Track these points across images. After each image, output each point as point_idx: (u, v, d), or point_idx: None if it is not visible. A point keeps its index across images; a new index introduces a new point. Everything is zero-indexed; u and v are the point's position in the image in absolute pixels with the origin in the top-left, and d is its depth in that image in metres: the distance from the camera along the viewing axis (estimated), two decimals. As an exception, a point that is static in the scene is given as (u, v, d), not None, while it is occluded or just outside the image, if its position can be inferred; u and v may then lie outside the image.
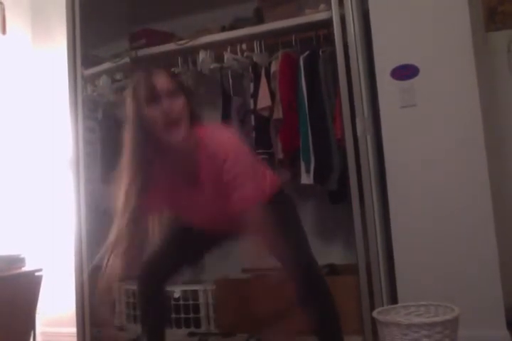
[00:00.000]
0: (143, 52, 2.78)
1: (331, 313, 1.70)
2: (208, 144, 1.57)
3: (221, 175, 1.54)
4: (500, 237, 2.08)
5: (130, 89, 1.58)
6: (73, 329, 2.59)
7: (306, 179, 2.41)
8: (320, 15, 2.40)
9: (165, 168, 1.61)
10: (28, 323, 2.52)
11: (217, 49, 2.69)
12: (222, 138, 1.61)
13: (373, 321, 1.82)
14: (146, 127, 1.53)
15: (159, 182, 1.61)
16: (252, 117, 2.58)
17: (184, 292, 2.59)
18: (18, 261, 2.54)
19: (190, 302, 2.58)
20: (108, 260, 1.60)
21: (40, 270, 2.59)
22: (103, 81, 2.94)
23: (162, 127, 1.51)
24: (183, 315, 2.58)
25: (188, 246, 1.82)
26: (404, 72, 2.20)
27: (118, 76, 2.98)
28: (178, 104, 1.53)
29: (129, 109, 1.55)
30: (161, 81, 1.54)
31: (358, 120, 2.19)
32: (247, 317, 2.41)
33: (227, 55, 2.65)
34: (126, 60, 2.84)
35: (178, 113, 1.52)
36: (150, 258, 1.78)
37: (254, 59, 2.62)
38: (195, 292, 2.58)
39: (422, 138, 2.17)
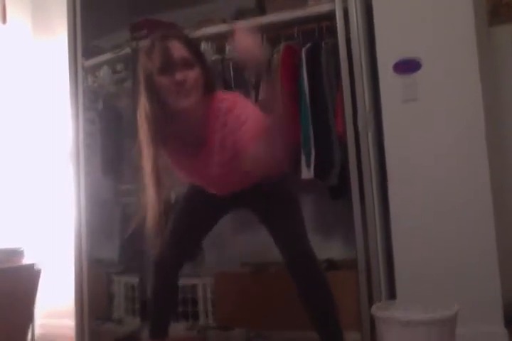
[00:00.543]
0: (144, 42, 2.75)
1: (331, 308, 1.70)
2: (220, 107, 1.54)
3: (231, 138, 1.52)
4: (500, 234, 2.07)
5: (143, 52, 1.54)
6: (72, 322, 2.61)
7: (307, 173, 2.39)
8: (323, 7, 2.37)
9: (175, 130, 1.59)
10: (27, 315, 2.52)
11: (218, 40, 2.66)
12: (242, 102, 1.60)
13: (371, 317, 1.82)
14: (157, 91, 1.50)
15: (173, 145, 1.62)
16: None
17: (183, 286, 2.59)
18: (18, 253, 2.54)
19: (189, 296, 2.58)
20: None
21: (39, 263, 2.59)
22: (104, 72, 2.92)
23: (172, 96, 1.49)
24: (181, 309, 2.58)
25: (199, 220, 1.84)
26: (407, 66, 2.18)
27: (119, 67, 2.96)
28: (192, 76, 1.49)
29: (140, 72, 1.53)
30: (177, 49, 1.49)
31: (359, 114, 2.17)
32: (245, 311, 2.42)
33: (229, 47, 2.62)
34: (127, 50, 2.82)
35: (191, 85, 1.49)
36: (166, 243, 1.72)
37: (256, 51, 2.59)
38: (193, 286, 2.58)
39: (424, 133, 2.15)
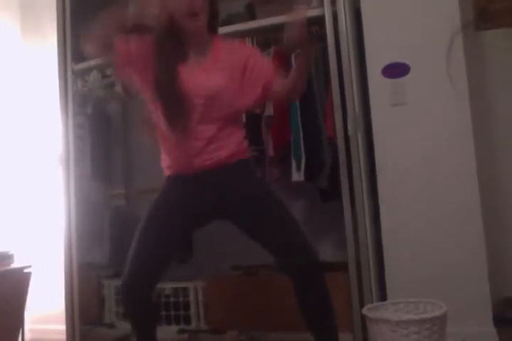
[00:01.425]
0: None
1: (328, 309, 1.69)
2: (224, 48, 1.75)
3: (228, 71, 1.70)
4: (488, 234, 2.11)
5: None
6: (62, 327, 2.59)
7: (297, 176, 2.41)
8: (312, 12, 2.39)
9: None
10: (16, 320, 2.50)
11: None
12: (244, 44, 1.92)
13: (363, 318, 1.83)
14: (169, 19, 1.65)
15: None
16: (243, 114, 2.57)
17: (174, 289, 2.59)
18: (7, 257, 2.52)
19: (181, 299, 2.58)
20: None
21: (29, 266, 2.58)
22: (93, 76, 2.92)
23: (184, 16, 1.64)
24: (173, 312, 2.58)
25: (171, 237, 1.72)
26: (395, 70, 2.21)
27: (108, 71, 2.96)
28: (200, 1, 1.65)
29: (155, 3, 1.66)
30: None
31: (349, 117, 2.20)
32: (237, 314, 2.42)
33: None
34: (117, 55, 2.82)
35: (199, 6, 1.65)
36: (133, 266, 1.66)
37: (246, 55, 2.60)
38: (185, 289, 2.59)
39: (413, 136, 2.18)
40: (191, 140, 1.67)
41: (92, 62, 2.90)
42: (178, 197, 1.72)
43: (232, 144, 1.72)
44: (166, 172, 1.78)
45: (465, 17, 2.24)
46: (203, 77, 1.68)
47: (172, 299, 2.59)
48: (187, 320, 2.56)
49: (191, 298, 2.57)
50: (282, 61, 2.49)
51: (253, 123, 2.53)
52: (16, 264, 2.56)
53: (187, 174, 1.72)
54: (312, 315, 1.69)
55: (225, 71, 1.71)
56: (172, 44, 1.68)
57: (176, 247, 1.80)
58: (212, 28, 1.77)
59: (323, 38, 2.31)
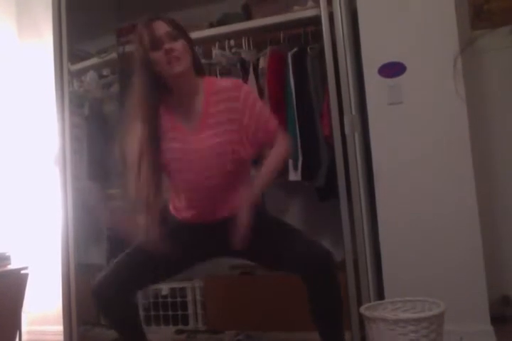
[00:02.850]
0: (130, 47, 2.76)
1: (339, 309, 1.67)
2: (213, 90, 1.66)
3: (224, 118, 1.63)
4: (486, 233, 2.11)
5: (135, 36, 1.67)
6: (60, 328, 2.58)
7: (294, 176, 2.41)
8: (308, 13, 2.41)
9: (170, 113, 1.67)
10: (13, 322, 2.49)
11: (205, 45, 2.68)
12: (233, 81, 1.78)
13: (361, 317, 1.84)
14: (152, 69, 1.62)
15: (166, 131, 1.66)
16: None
17: (172, 289, 2.59)
18: (4, 258, 2.52)
19: (178, 299, 2.57)
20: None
21: (26, 268, 2.57)
22: (90, 76, 2.91)
23: (165, 63, 1.60)
24: (170, 313, 2.58)
25: (156, 265, 1.64)
26: (392, 70, 2.21)
27: (105, 71, 2.96)
28: (179, 45, 1.62)
29: (135, 55, 1.66)
30: (162, 27, 1.62)
31: (345, 117, 2.20)
32: (235, 314, 2.42)
33: (216, 51, 2.64)
34: (114, 55, 2.82)
35: (179, 51, 1.61)
36: (113, 275, 1.62)
37: (243, 55, 2.61)
38: (183, 289, 2.58)
39: (409, 135, 2.19)
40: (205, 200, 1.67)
41: (88, 63, 2.91)
42: (188, 238, 1.69)
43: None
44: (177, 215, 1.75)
45: (461, 16, 2.25)
46: (195, 140, 1.64)
47: (169, 299, 2.58)
48: (185, 321, 2.56)
49: (189, 298, 2.56)
50: (278, 62, 2.50)
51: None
52: (13, 265, 2.55)
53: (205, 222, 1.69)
54: (324, 318, 1.65)
55: (220, 125, 1.65)
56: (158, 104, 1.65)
57: (164, 275, 1.78)
58: (198, 71, 1.71)
59: (319, 37, 2.32)
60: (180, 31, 1.65)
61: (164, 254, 1.51)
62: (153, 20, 1.64)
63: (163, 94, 1.67)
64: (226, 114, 1.65)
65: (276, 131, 1.72)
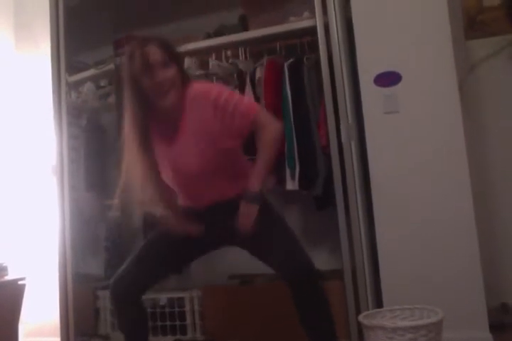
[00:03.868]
0: (126, 48, 2.77)
1: (327, 318, 1.68)
2: (194, 95, 1.65)
3: (206, 123, 1.63)
4: (483, 241, 2.12)
5: (126, 57, 1.68)
6: (57, 339, 2.56)
7: (292, 185, 2.42)
8: (304, 23, 2.43)
9: (157, 128, 1.70)
10: (10, 333, 2.47)
11: (202, 56, 2.70)
12: (210, 85, 1.84)
13: (359, 325, 1.83)
14: (141, 92, 1.64)
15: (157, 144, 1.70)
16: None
17: (170, 299, 2.58)
18: (1, 269, 2.50)
19: (176, 309, 2.56)
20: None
21: (23, 278, 2.55)
22: (87, 87, 2.93)
23: (155, 95, 1.63)
24: (169, 323, 2.56)
25: (169, 256, 1.78)
26: (387, 79, 2.23)
27: (102, 82, 2.98)
28: (170, 74, 1.62)
29: (125, 76, 1.66)
30: (154, 52, 1.62)
31: (342, 126, 2.22)
32: (233, 324, 2.41)
33: (212, 62, 2.66)
34: (111, 66, 2.84)
35: (170, 83, 1.62)
36: (126, 271, 1.74)
37: (239, 66, 2.63)
38: (181, 299, 2.57)
39: (405, 144, 2.20)
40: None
41: (86, 74, 2.92)
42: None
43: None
44: None
45: (455, 27, 2.28)
46: (177, 151, 1.68)
47: (168, 309, 2.57)
48: (183, 331, 2.55)
49: (187, 307, 2.55)
50: (275, 71, 2.52)
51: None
52: (10, 276, 2.53)
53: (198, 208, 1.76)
54: (312, 325, 1.68)
55: (197, 127, 1.67)
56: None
57: (172, 269, 1.91)
58: (183, 82, 1.69)
59: (315, 48, 2.34)
60: (171, 54, 1.65)
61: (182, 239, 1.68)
62: (146, 44, 1.63)
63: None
64: (203, 114, 1.65)
65: (255, 114, 1.66)
